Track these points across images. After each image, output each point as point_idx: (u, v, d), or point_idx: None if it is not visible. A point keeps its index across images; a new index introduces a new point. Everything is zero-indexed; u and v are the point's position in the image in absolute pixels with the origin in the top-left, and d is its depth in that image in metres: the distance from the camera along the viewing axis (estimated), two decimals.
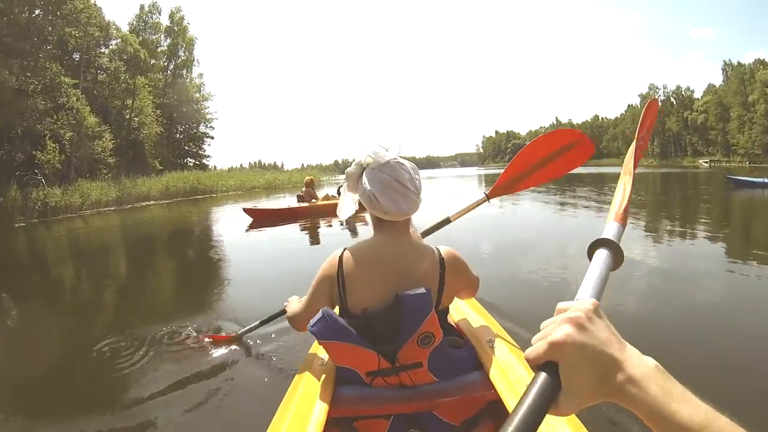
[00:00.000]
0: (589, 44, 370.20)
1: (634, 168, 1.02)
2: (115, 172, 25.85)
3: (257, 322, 3.03)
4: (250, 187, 33.96)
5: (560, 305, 0.54)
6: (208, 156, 45.46)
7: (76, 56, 26.74)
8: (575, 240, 6.91)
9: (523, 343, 1.58)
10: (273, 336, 3.33)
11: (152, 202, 23.91)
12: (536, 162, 2.34)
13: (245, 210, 12.04)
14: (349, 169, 1.49)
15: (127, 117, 28.99)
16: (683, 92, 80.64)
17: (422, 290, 1.29)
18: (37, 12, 21.90)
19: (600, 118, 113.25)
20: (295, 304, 1.67)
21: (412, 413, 1.39)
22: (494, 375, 1.37)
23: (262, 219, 11.40)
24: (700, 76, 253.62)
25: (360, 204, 1.52)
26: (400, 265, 1.40)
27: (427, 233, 2.45)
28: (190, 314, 4.11)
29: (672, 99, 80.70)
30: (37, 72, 20.63)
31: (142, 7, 39.52)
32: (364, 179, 1.42)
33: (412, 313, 1.29)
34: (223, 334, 3.45)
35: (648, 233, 7.69)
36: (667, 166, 48.04)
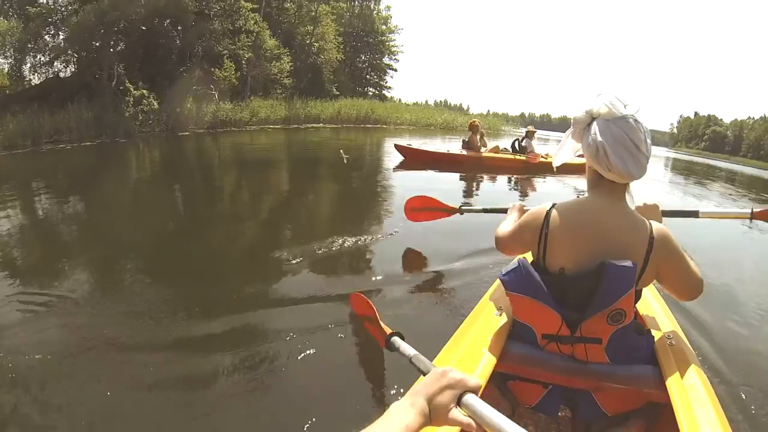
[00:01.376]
0: None
1: None
2: (289, 93, 25.66)
3: (481, 208, 3.37)
4: (426, 123, 31.09)
5: None
6: (390, 87, 44.75)
7: None
8: None
9: (704, 352, 2.42)
10: (456, 270, 3.42)
11: (321, 125, 23.42)
12: None
13: (396, 147, 10.35)
14: (577, 115, 1.39)
15: (308, 42, 28.34)
16: None
17: (629, 263, 1.22)
18: None
19: None
20: (508, 221, 1.68)
21: (571, 389, 1.34)
22: (669, 375, 1.26)
23: (414, 159, 10.02)
24: None
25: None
26: (608, 231, 1.32)
27: (669, 214, 2.20)
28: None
29: None
30: None
31: None
32: (594, 128, 1.33)
33: (613, 284, 1.22)
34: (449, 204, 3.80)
35: None
36: None
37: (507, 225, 1.62)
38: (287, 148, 13.67)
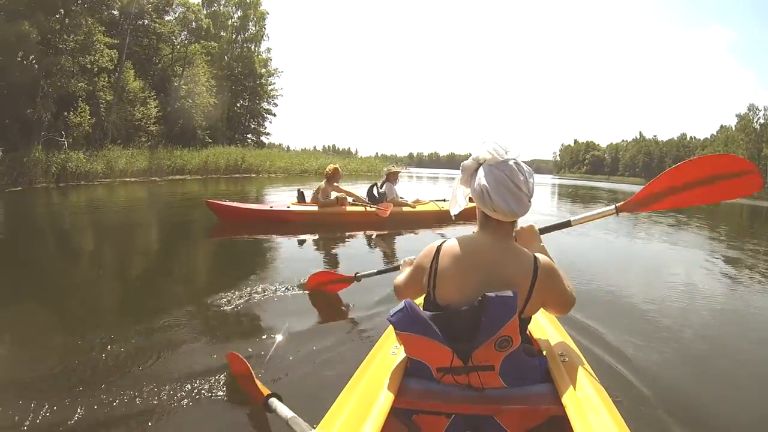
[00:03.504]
0: (680, 56, 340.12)
1: None
2: (155, 142, 24.27)
3: (375, 270, 3.47)
4: (301, 170, 30.62)
5: None
6: (268, 133, 43.99)
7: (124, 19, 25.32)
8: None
9: (597, 364, 2.38)
10: (359, 307, 3.63)
11: (187, 177, 22.19)
12: (690, 181, 2.13)
13: (208, 203, 7.81)
14: (465, 162, 1.51)
15: (175, 84, 27.30)
16: None
17: (509, 293, 1.29)
18: None
19: (688, 137, 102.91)
20: (402, 273, 1.72)
21: (473, 415, 1.39)
22: (564, 390, 1.34)
23: (229, 218, 7.81)
24: None
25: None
26: (494, 266, 1.41)
27: (545, 230, 2.23)
28: None
29: None
30: (70, 28, 19.01)
31: None
32: (480, 174, 1.44)
33: (495, 314, 1.28)
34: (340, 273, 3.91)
35: None
36: (759, 198, 38.09)
37: (402, 274, 1.71)
38: (150, 205, 12.35)
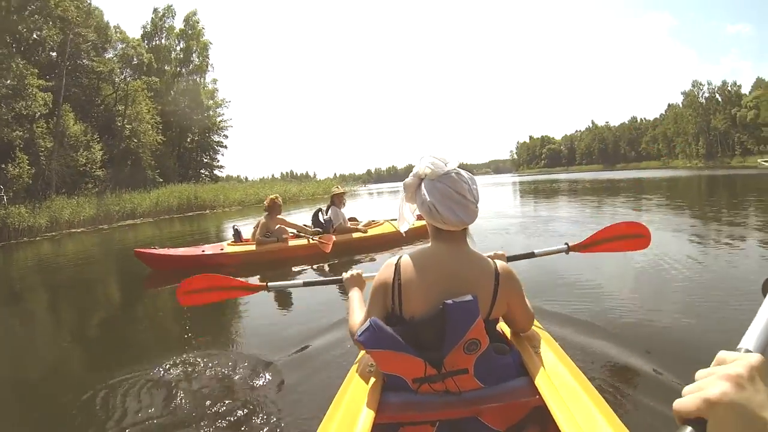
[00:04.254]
0: (623, 45, 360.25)
1: None
2: (103, 187, 23.31)
3: (301, 281, 2.90)
4: (256, 200, 28.55)
5: (721, 354, 0.53)
6: (221, 166, 43.22)
7: (65, 59, 24.42)
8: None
9: (571, 349, 2.41)
10: (328, 341, 3.41)
11: (138, 221, 21.33)
12: (610, 237, 2.84)
13: (137, 254, 7.00)
14: (407, 180, 1.52)
15: (119, 125, 26.53)
16: (729, 88, 74.14)
17: (469, 297, 1.30)
18: None
19: (638, 119, 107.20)
20: (355, 305, 1.78)
21: (457, 419, 1.40)
22: (539, 381, 1.37)
23: (161, 267, 6.95)
24: (738, 74, 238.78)
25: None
26: (453, 273, 1.42)
27: (512, 259, 2.46)
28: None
29: (717, 96, 74.87)
30: (2, 74, 18.13)
31: (155, 10, 38.03)
32: (423, 190, 1.45)
33: (457, 320, 1.30)
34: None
35: None
36: (714, 168, 40.48)
37: (357, 310, 1.72)
38: (95, 258, 11.30)
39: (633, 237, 2.90)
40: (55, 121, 21.57)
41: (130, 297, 6.74)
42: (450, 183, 1.42)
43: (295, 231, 7.34)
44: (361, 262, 6.88)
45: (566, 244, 2.81)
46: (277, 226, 7.10)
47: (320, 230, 7.47)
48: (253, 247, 6.97)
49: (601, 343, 2.93)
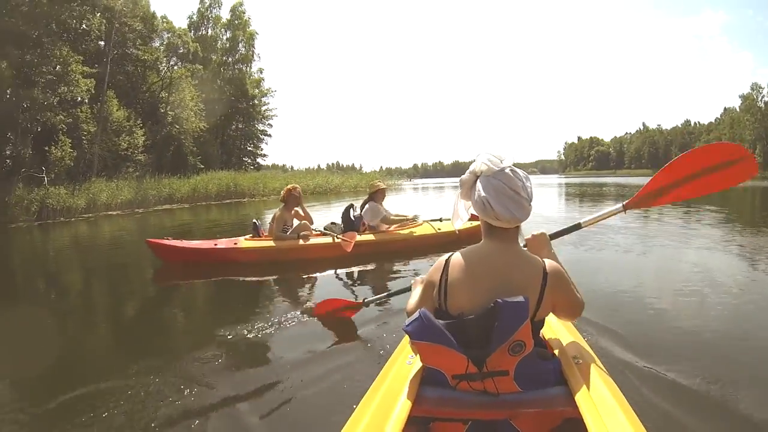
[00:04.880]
0: (676, 44, 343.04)
1: None
2: (143, 171, 23.58)
3: (385, 294, 3.49)
4: None
5: None
6: (264, 155, 43.54)
7: (108, 46, 24.90)
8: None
9: (611, 364, 2.38)
10: (370, 327, 3.56)
11: (175, 206, 21.35)
12: (689, 174, 2.11)
13: (149, 243, 6.35)
14: (463, 176, 1.54)
15: (162, 111, 26.83)
16: None
17: (521, 298, 1.30)
18: None
19: (692, 123, 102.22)
20: (414, 293, 1.80)
21: (489, 421, 1.39)
22: (577, 392, 1.35)
23: (171, 258, 6.37)
24: None
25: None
26: (503, 272, 1.43)
27: (555, 236, 2.28)
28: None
29: None
30: (46, 61, 18.47)
31: (202, 0, 38.47)
32: (478, 186, 1.47)
33: (507, 320, 1.30)
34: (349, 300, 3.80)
35: None
36: None
37: (414, 296, 1.74)
38: (128, 241, 10.81)
39: (722, 167, 2.04)
40: (98, 107, 21.93)
41: (155, 287, 6.24)
42: (505, 180, 1.42)
43: (314, 228, 6.54)
44: (393, 265, 6.10)
45: (622, 204, 2.29)
46: (299, 222, 6.44)
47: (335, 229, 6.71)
48: (269, 243, 6.31)
49: (642, 360, 2.75)
